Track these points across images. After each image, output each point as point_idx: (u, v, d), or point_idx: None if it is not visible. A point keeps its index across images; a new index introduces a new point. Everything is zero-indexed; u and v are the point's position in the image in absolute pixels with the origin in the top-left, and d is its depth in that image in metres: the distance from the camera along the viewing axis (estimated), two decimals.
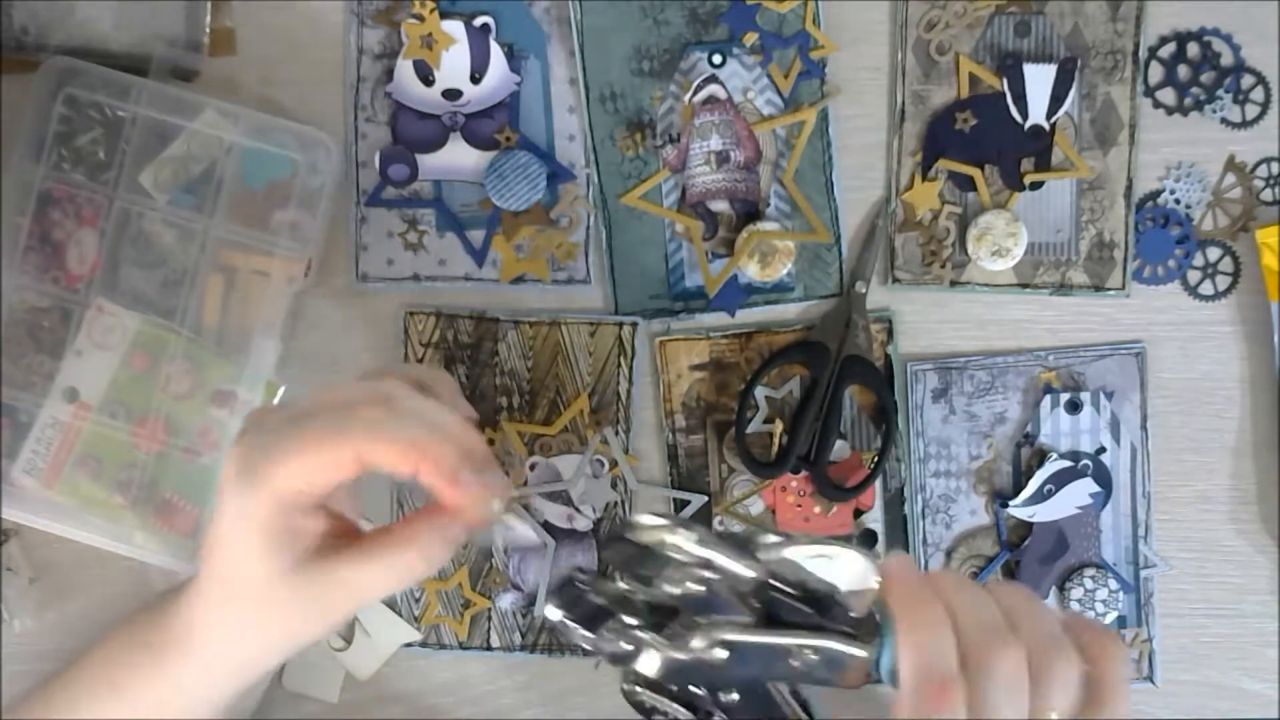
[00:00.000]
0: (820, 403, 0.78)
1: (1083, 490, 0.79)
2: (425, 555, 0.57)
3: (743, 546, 0.54)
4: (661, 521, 0.54)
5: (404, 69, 0.79)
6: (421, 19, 0.78)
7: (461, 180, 0.80)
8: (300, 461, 0.55)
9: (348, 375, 0.80)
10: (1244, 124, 0.80)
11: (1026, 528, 0.80)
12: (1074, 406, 0.80)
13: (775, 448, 0.79)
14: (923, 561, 0.80)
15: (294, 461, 0.55)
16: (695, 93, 0.79)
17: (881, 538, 0.80)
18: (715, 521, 0.80)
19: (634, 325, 0.80)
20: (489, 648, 0.81)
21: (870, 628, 0.52)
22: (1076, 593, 0.80)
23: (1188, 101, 0.80)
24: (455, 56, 0.79)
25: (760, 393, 0.79)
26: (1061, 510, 0.80)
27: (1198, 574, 0.81)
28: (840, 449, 0.80)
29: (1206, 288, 0.81)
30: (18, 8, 0.76)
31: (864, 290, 0.79)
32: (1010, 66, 0.79)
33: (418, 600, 0.81)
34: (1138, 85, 0.79)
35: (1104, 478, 0.80)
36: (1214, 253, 0.81)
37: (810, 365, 0.79)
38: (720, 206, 0.80)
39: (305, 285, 0.77)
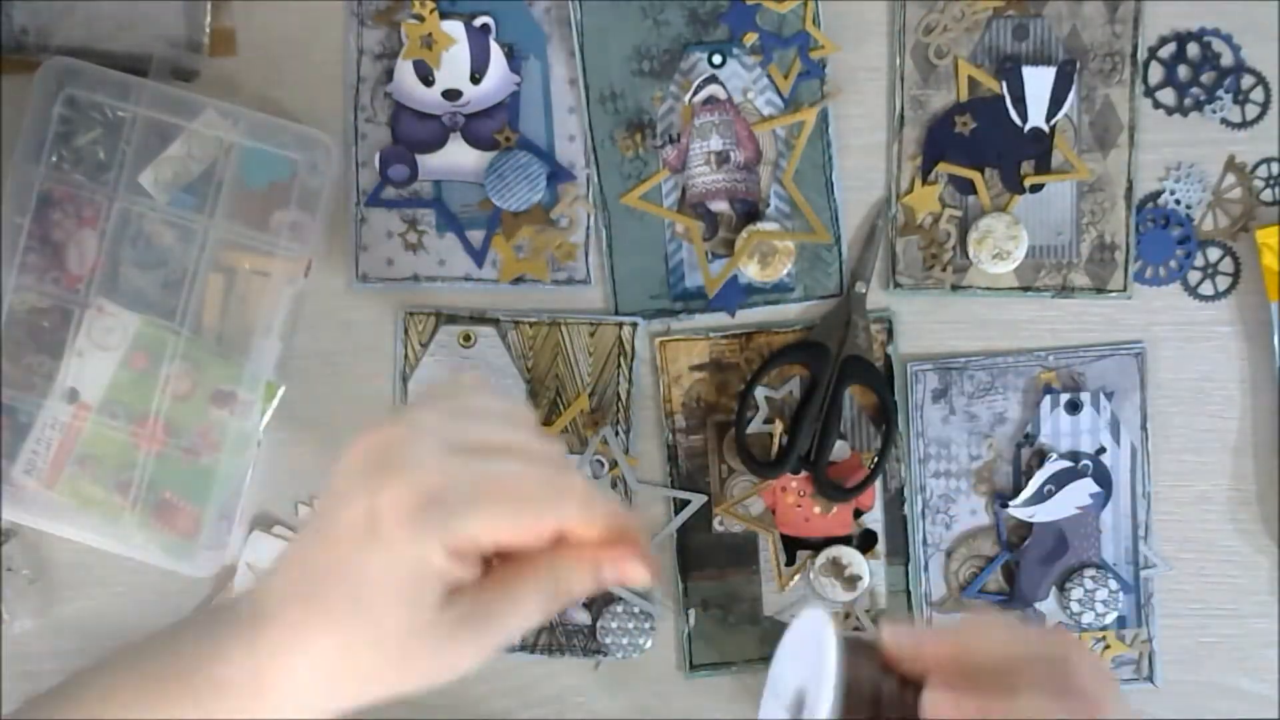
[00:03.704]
0: (820, 403, 0.78)
1: (1083, 490, 0.79)
2: (567, 588, 0.53)
3: None
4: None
5: (404, 69, 0.79)
6: (421, 19, 0.78)
7: (461, 180, 0.80)
8: (497, 523, 0.50)
9: (348, 375, 0.80)
10: (1244, 124, 0.80)
11: (1026, 528, 0.80)
12: (1074, 407, 0.80)
13: (775, 448, 0.79)
14: (923, 562, 0.80)
15: (490, 521, 0.50)
16: (695, 93, 0.79)
17: (881, 538, 0.80)
18: (715, 522, 0.80)
19: (634, 325, 0.80)
20: None
21: None
22: (1076, 593, 0.79)
23: (1188, 102, 0.80)
24: (455, 57, 0.79)
25: (760, 393, 0.79)
26: (1061, 510, 0.80)
27: (1198, 574, 0.81)
28: (840, 449, 0.80)
29: (1206, 288, 0.81)
30: (18, 8, 0.76)
31: (864, 290, 0.79)
32: (1009, 69, 0.79)
33: None
34: (1136, 87, 0.80)
35: (1104, 478, 0.80)
36: (1214, 253, 0.81)
37: (810, 365, 0.79)
38: (720, 207, 0.80)
39: (305, 285, 0.77)
